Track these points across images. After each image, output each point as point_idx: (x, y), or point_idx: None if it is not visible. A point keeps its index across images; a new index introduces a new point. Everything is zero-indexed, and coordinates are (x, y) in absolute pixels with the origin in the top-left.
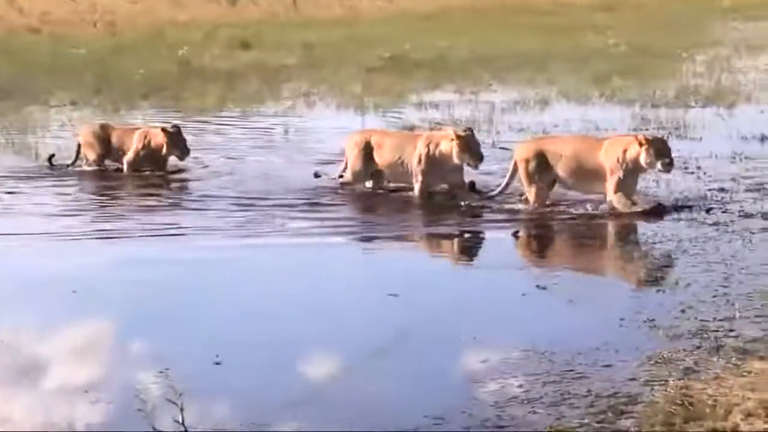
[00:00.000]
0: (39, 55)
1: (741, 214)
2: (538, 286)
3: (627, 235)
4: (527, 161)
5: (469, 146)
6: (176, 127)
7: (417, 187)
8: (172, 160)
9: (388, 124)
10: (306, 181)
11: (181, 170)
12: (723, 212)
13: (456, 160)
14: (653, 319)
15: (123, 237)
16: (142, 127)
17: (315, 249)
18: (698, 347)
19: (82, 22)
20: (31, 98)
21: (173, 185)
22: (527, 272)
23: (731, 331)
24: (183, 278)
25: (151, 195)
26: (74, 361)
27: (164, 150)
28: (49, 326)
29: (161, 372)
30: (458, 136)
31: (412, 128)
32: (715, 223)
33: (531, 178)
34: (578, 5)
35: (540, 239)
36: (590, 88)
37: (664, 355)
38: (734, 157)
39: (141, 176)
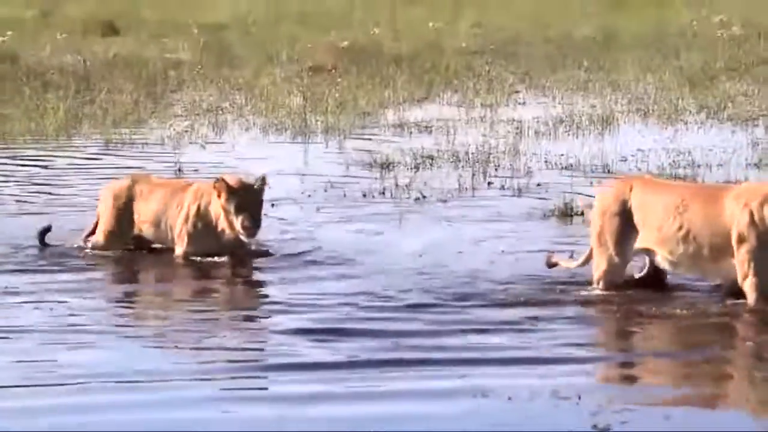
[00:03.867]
0: None
1: None
2: (595, 427)
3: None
4: None
5: None
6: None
7: (749, 283)
8: None
9: (347, 159)
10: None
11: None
12: None
13: None
14: None
15: None
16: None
17: None
18: None
19: None
20: None
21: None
22: (577, 404)
23: None
24: None
25: None
26: None
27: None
28: None
29: None
30: None
31: (387, 165)
32: None
33: None
34: None
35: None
36: (682, 95)
37: None
38: None
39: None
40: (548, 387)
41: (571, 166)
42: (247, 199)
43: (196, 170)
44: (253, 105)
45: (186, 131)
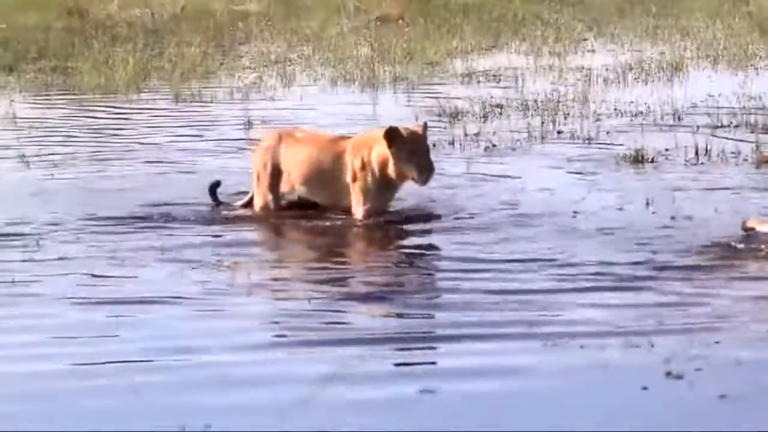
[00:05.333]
0: None
1: None
2: (669, 374)
3: None
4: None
5: None
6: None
7: None
8: None
9: (416, 109)
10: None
11: None
12: None
13: None
14: None
15: None
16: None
17: None
18: None
19: None
20: None
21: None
22: (650, 349)
23: None
24: None
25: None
26: None
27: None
28: None
29: None
30: None
31: (456, 114)
32: None
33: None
34: None
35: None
36: (752, 41)
37: None
38: None
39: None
40: (620, 334)
41: (641, 113)
42: (418, 145)
43: (264, 121)
44: (321, 56)
45: (254, 83)
